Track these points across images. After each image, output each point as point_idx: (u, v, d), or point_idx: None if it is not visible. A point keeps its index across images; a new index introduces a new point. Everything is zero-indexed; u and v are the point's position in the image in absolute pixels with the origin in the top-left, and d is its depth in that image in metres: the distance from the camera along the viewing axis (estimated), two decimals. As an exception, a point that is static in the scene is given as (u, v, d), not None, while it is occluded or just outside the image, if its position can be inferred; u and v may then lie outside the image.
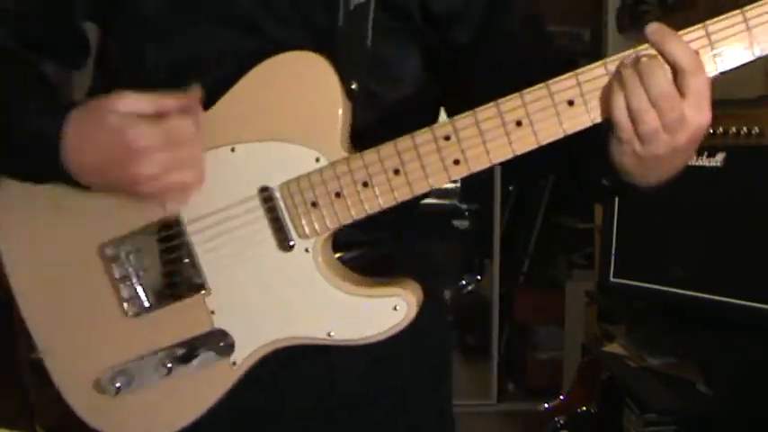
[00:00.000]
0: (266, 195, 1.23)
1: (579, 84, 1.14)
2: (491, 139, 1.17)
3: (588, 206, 3.83)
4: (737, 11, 1.10)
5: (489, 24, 1.32)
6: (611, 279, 2.84)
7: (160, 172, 1.15)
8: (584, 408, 3.38)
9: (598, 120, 1.14)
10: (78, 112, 1.18)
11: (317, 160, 1.21)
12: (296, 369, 1.32)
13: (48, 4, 1.32)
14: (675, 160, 1.15)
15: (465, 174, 1.19)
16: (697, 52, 1.10)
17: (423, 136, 1.19)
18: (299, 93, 1.21)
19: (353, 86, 1.23)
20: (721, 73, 1.11)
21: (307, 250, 1.23)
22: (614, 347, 2.92)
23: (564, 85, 1.14)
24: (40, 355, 1.29)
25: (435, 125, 1.20)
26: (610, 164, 1.17)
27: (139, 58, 1.28)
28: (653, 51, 1.10)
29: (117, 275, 1.27)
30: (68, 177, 1.20)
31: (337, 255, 1.28)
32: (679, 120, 1.09)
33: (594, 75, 1.14)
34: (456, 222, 6.96)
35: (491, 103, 1.16)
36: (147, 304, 1.27)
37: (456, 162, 1.18)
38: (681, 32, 1.10)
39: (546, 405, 3.61)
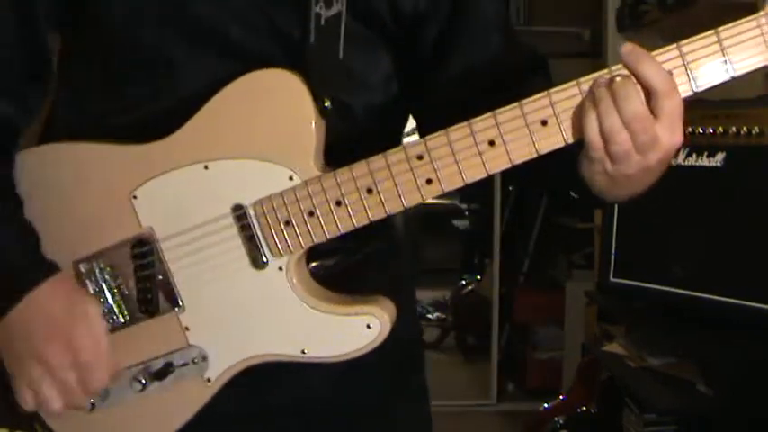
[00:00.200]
0: (240, 213, 1.22)
1: (552, 104, 1.13)
2: (464, 159, 1.17)
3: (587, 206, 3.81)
4: (711, 31, 1.09)
5: (455, 24, 1.32)
6: (611, 279, 2.83)
7: (67, 375, 1.21)
8: (584, 408, 3.37)
9: (571, 140, 1.14)
10: (58, 283, 1.23)
11: (291, 178, 1.21)
12: (272, 374, 1.32)
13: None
14: (646, 178, 1.15)
15: (438, 193, 1.19)
16: (671, 73, 1.09)
17: (396, 155, 1.18)
18: (273, 110, 1.21)
19: (327, 104, 1.22)
20: (695, 93, 1.10)
21: (280, 268, 1.23)
22: (614, 347, 2.92)
23: (537, 105, 1.14)
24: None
25: (408, 144, 1.19)
26: (579, 179, 1.16)
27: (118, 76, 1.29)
28: (626, 72, 1.09)
29: (91, 291, 1.27)
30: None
31: (311, 264, 1.28)
32: (651, 141, 1.09)
33: (568, 95, 1.13)
34: (456, 222, 6.98)
35: (463, 123, 1.16)
36: (121, 320, 1.27)
37: (429, 181, 1.18)
38: (655, 53, 1.10)
39: (546, 405, 3.61)
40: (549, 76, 1.33)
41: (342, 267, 1.33)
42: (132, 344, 1.27)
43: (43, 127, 1.37)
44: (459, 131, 1.16)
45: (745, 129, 2.44)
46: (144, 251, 1.25)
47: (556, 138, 1.14)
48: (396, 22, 1.32)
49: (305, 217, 1.21)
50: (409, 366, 1.50)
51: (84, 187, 1.27)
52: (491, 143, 1.15)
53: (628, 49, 1.09)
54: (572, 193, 1.23)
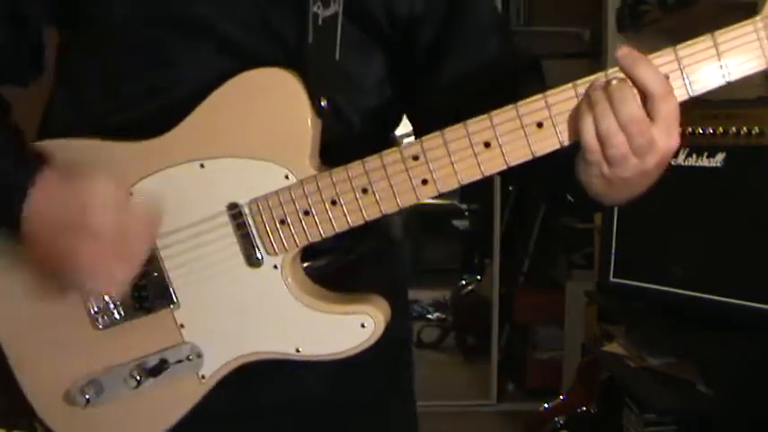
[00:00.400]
0: (235, 212, 1.23)
1: (548, 106, 1.13)
2: (460, 160, 1.17)
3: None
4: (708, 35, 1.09)
5: (451, 26, 1.32)
6: (611, 279, 2.82)
7: (97, 255, 1.17)
8: (584, 408, 3.36)
9: (567, 143, 1.14)
10: (51, 176, 1.19)
11: (286, 177, 1.21)
12: (265, 372, 1.32)
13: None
14: (643, 182, 1.15)
15: (434, 194, 1.19)
16: (667, 77, 1.09)
17: (392, 155, 1.18)
18: (269, 109, 1.21)
19: (323, 103, 1.22)
20: (691, 97, 1.10)
21: (275, 267, 1.23)
22: (614, 347, 2.91)
23: (533, 107, 1.14)
24: (12, 368, 1.30)
25: (404, 145, 1.19)
26: (576, 183, 1.16)
27: (115, 75, 1.29)
28: (623, 75, 1.09)
29: (87, 288, 1.27)
30: (15, 227, 1.20)
31: (305, 264, 1.28)
32: (648, 144, 1.08)
33: (564, 97, 1.13)
34: (456, 222, 6.97)
35: (459, 125, 1.16)
36: (117, 316, 1.27)
37: (424, 182, 1.18)
38: (651, 56, 1.09)
39: (546, 405, 3.60)
40: (542, 78, 1.33)
41: (337, 266, 1.33)
42: (127, 340, 1.27)
43: (40, 123, 1.37)
44: (454, 132, 1.16)
45: (745, 129, 2.44)
46: (140, 248, 1.25)
47: (551, 140, 1.14)
48: (392, 26, 1.32)
49: (300, 216, 1.21)
50: (402, 365, 1.51)
51: (80, 184, 1.26)
52: (486, 144, 1.15)
53: (624, 52, 1.09)
54: (569, 197, 1.23)
